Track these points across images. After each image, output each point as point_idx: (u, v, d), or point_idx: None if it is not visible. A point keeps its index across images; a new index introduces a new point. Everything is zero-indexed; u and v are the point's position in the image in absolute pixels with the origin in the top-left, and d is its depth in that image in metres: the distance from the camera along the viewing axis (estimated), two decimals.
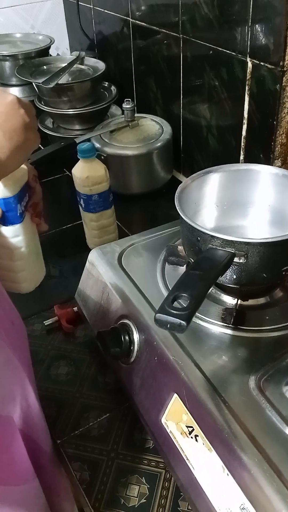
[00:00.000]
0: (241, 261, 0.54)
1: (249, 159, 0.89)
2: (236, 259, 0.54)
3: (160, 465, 0.60)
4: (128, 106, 1.01)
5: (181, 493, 0.57)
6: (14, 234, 0.62)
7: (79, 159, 0.85)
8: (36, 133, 0.54)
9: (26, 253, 0.65)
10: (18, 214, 0.61)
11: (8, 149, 0.49)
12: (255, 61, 0.79)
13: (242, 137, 0.88)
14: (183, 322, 0.41)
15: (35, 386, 0.56)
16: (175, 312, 0.42)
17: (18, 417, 0.51)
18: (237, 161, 0.92)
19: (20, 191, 0.60)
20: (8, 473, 0.49)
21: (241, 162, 0.91)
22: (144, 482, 0.59)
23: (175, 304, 0.44)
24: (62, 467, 0.62)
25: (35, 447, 0.55)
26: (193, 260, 0.61)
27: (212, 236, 0.54)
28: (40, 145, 0.69)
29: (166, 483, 0.59)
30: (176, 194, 0.60)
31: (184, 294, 0.44)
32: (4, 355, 0.50)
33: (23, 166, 0.61)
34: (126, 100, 1.02)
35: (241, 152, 0.90)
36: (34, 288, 0.69)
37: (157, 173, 1.05)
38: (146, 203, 1.05)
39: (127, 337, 0.62)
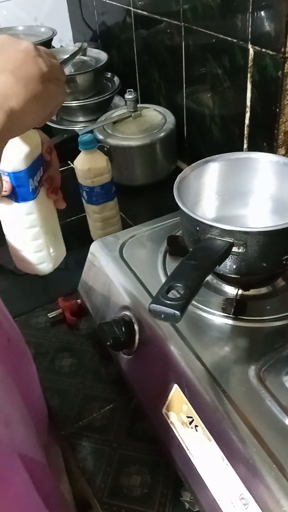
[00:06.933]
0: (240, 250, 0.53)
1: (252, 148, 0.88)
2: (235, 249, 0.53)
3: (162, 455, 0.60)
4: (130, 97, 1.01)
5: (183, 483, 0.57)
6: (28, 211, 0.57)
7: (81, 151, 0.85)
8: (60, 86, 0.47)
9: (43, 233, 0.60)
10: (31, 190, 0.55)
11: (23, 98, 0.42)
12: (256, 48, 0.78)
13: (245, 125, 0.87)
14: (177, 312, 0.41)
15: (42, 405, 0.54)
16: (169, 302, 0.42)
17: (19, 441, 0.48)
18: (240, 150, 0.91)
19: (32, 164, 0.54)
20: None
21: (245, 151, 0.90)
22: (147, 472, 0.59)
23: (170, 294, 0.43)
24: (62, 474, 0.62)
25: (34, 467, 0.51)
26: None
27: (211, 226, 0.54)
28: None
29: (168, 473, 0.59)
30: (175, 184, 0.60)
31: (179, 284, 0.43)
32: (2, 376, 0.47)
33: (37, 136, 0.55)
34: (128, 91, 1.01)
35: (245, 141, 0.89)
36: (52, 270, 0.64)
37: (161, 164, 1.05)
38: (150, 194, 1.04)
39: (128, 328, 0.62)
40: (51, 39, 1.26)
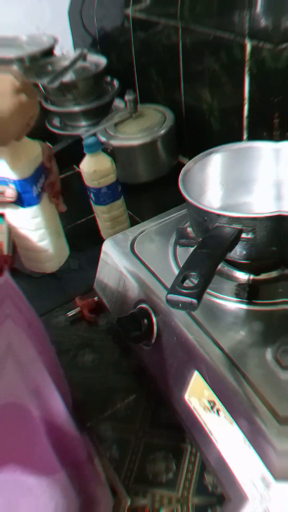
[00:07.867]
0: (249, 236, 0.55)
1: (252, 139, 0.89)
2: (244, 235, 0.54)
3: (186, 440, 0.62)
4: (130, 98, 1.03)
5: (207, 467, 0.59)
6: (33, 215, 0.63)
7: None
8: (32, 97, 0.52)
9: (47, 234, 0.66)
10: (35, 195, 0.61)
11: None
12: (254, 41, 0.79)
13: (244, 117, 0.89)
14: (194, 300, 0.43)
15: (66, 388, 0.56)
16: (185, 291, 0.43)
17: (44, 412, 0.49)
18: (240, 141, 0.92)
19: (35, 172, 0.60)
20: (33, 462, 0.46)
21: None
22: (171, 457, 0.61)
23: (185, 283, 0.45)
24: (92, 453, 0.63)
25: (62, 437, 0.52)
26: None
27: (218, 215, 0.55)
28: (49, 144, 0.70)
29: (192, 457, 0.61)
30: (179, 177, 0.61)
31: (193, 273, 0.45)
32: (30, 353, 0.50)
33: (38, 146, 0.60)
34: (128, 91, 1.03)
35: (244, 132, 0.91)
36: (58, 267, 0.71)
37: (163, 160, 1.07)
38: (154, 190, 1.06)
39: (146, 321, 0.63)
40: (53, 47, 1.28)
